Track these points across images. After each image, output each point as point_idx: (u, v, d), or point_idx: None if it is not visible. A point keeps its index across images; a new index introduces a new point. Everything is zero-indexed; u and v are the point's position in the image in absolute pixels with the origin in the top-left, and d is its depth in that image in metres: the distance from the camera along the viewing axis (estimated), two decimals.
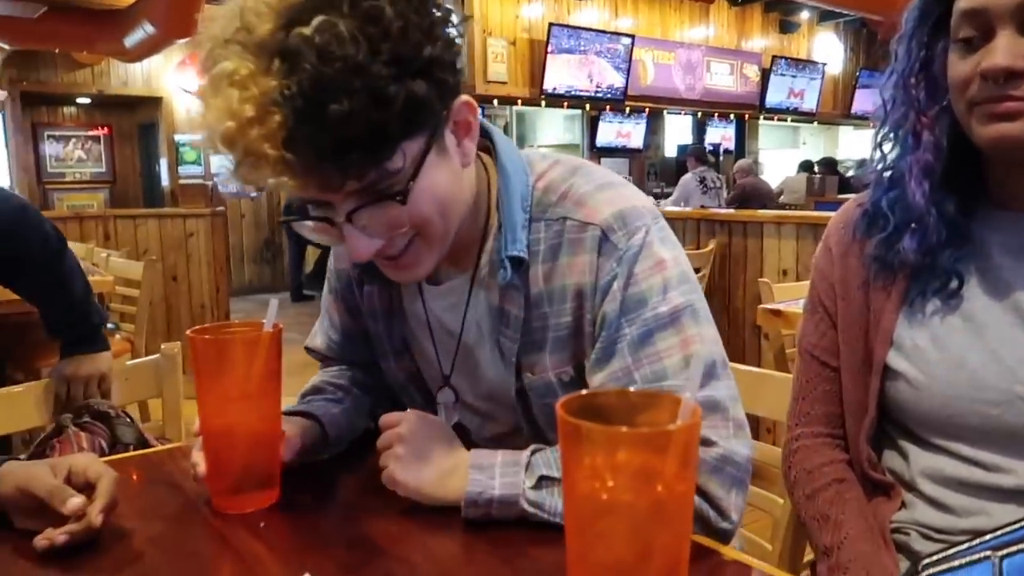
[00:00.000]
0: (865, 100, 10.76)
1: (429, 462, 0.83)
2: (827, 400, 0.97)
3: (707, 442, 0.80)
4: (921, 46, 0.87)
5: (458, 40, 0.77)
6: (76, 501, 0.74)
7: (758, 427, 2.23)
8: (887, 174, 0.92)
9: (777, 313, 2.14)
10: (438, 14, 0.75)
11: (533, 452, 0.83)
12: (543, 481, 0.80)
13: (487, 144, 0.93)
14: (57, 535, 0.74)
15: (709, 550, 0.76)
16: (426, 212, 0.80)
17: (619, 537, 0.53)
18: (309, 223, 0.81)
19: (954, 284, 0.85)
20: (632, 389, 0.58)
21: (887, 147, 0.93)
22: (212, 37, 0.72)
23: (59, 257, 1.50)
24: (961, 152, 0.86)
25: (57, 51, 7.80)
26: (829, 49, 10.67)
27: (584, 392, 0.55)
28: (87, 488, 0.78)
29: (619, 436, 0.52)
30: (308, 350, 1.15)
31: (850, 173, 9.07)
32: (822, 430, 0.97)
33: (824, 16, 10.19)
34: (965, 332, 0.85)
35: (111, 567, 0.74)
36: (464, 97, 0.81)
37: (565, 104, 8.20)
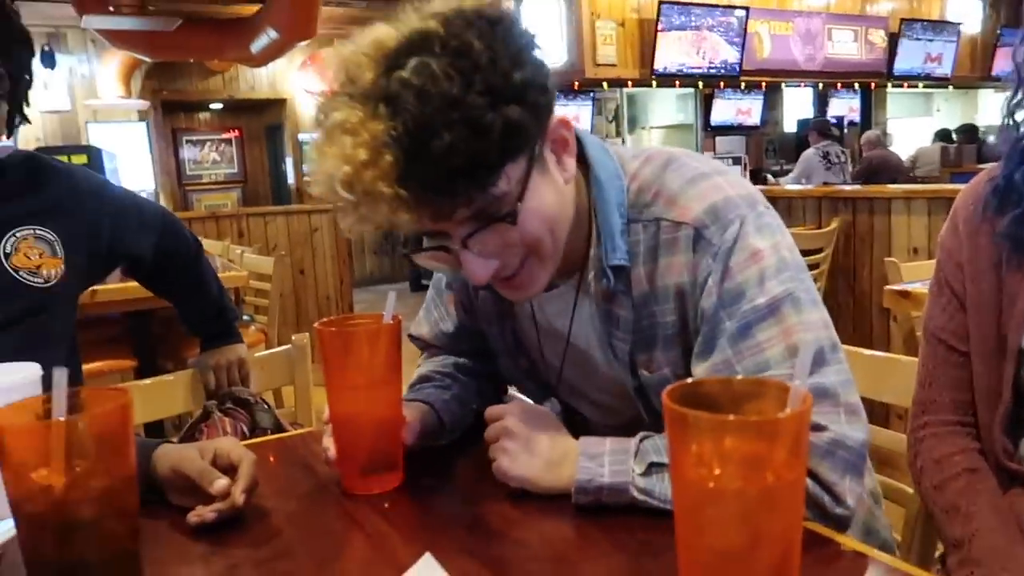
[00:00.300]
0: (1007, 60, 9.92)
1: (537, 453, 0.86)
2: (956, 386, 0.93)
3: (817, 427, 0.78)
4: None
5: (545, 62, 0.81)
6: (222, 482, 0.82)
7: (888, 414, 2.13)
8: (1021, 145, 0.86)
9: (905, 294, 2.03)
10: (523, 40, 0.79)
11: (642, 439, 0.84)
12: (653, 468, 0.81)
13: (580, 152, 0.93)
14: (207, 512, 0.81)
15: (825, 539, 0.74)
16: (536, 231, 0.83)
17: (728, 525, 0.53)
18: (427, 254, 0.86)
19: None
20: (741, 378, 0.58)
21: (1020, 115, 0.87)
22: (322, 92, 0.80)
23: (198, 258, 1.62)
24: None
25: (192, 60, 8.35)
26: (965, 7, 9.87)
27: (690, 380, 0.56)
28: (231, 469, 0.86)
29: (726, 424, 0.53)
30: (412, 338, 1.19)
31: (991, 139, 8.41)
32: (951, 418, 0.93)
33: None
34: None
35: (253, 541, 0.81)
36: (558, 115, 0.84)
37: (677, 83, 8.00)
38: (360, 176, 0.74)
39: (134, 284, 2.22)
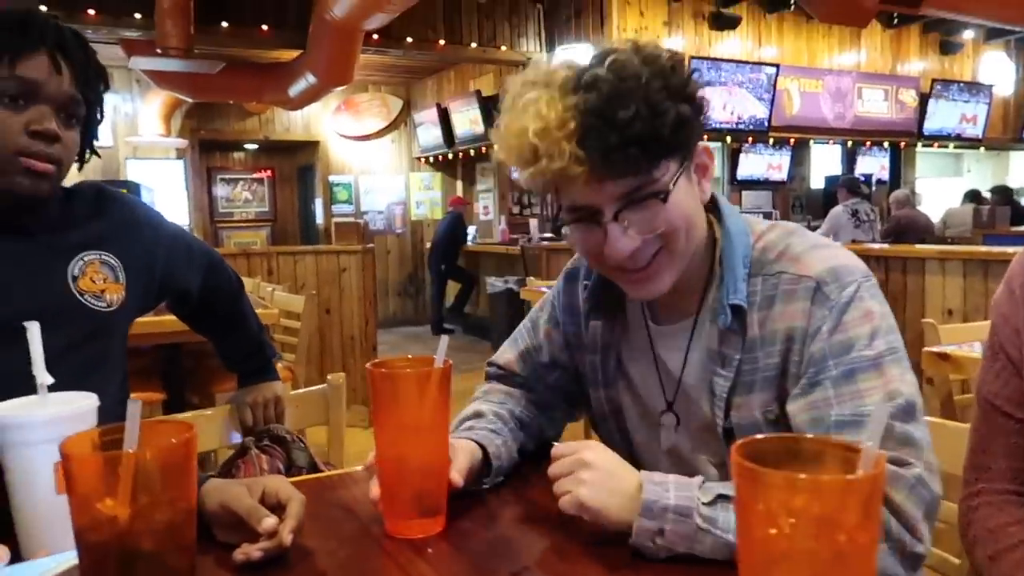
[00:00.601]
0: None
1: (614, 488, 0.87)
2: (1011, 454, 0.91)
3: (903, 463, 0.84)
4: None
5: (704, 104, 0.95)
6: (270, 521, 0.82)
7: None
8: None
9: (944, 356, 2.00)
10: (694, 72, 0.94)
11: (704, 480, 0.87)
12: (719, 499, 0.83)
13: (713, 208, 1.04)
14: (253, 551, 0.81)
15: None
16: (676, 220, 0.94)
17: None
18: (575, 225, 0.96)
19: None
20: (811, 435, 0.57)
21: None
22: (514, 85, 0.94)
23: (240, 295, 1.65)
24: None
25: (231, 102, 8.58)
26: (997, 69, 9.91)
27: (760, 437, 0.56)
28: (278, 508, 0.86)
29: (798, 483, 0.52)
30: (490, 364, 1.26)
31: None
32: (1006, 487, 0.91)
33: (991, 34, 9.50)
34: None
35: None
36: (704, 143, 0.98)
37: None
38: (549, 133, 0.87)
39: (168, 317, 2.24)
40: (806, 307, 0.93)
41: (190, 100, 7.73)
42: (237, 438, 1.51)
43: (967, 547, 0.93)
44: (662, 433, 1.10)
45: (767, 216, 6.05)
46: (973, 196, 8.67)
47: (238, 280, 1.66)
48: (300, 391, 1.70)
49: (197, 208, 9.15)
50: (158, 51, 5.71)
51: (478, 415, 1.14)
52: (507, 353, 1.25)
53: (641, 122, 0.86)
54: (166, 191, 8.38)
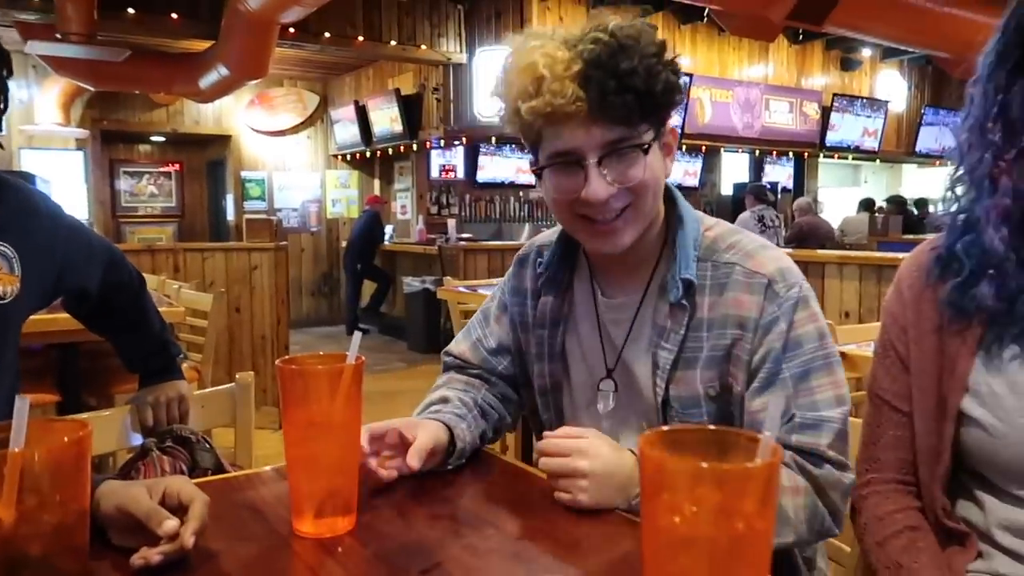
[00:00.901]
0: (929, 138, 10.54)
1: (614, 484, 0.95)
2: (898, 446, 0.96)
3: (844, 466, 0.98)
4: (999, 89, 0.86)
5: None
6: (171, 524, 0.78)
7: None
8: (961, 218, 0.91)
9: (841, 356, 2.10)
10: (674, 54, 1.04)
11: None
12: None
13: (666, 195, 1.12)
14: (152, 555, 0.77)
15: None
16: (649, 179, 1.02)
17: (697, 573, 0.54)
18: (558, 167, 1.03)
19: None
20: (715, 427, 0.59)
21: (960, 191, 0.92)
22: (518, 41, 1.03)
23: (141, 293, 1.58)
24: None
25: (137, 92, 8.21)
26: (892, 86, 10.51)
27: (666, 428, 0.57)
28: (179, 510, 0.82)
29: (700, 472, 0.54)
30: (447, 353, 1.33)
31: (915, 211, 8.83)
32: (893, 476, 0.96)
33: (888, 53, 10.06)
34: None
35: None
36: (672, 125, 1.06)
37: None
38: (556, 69, 0.96)
39: (62, 315, 2.12)
40: (759, 301, 1.02)
41: (92, 89, 7.35)
42: (138, 440, 1.45)
43: (858, 534, 0.98)
44: (600, 399, 1.15)
45: None
46: (867, 205, 9.16)
47: (139, 277, 1.59)
48: (207, 390, 1.64)
49: (98, 201, 8.72)
50: (57, 36, 5.42)
51: (444, 400, 1.18)
52: (461, 343, 1.31)
53: (638, 77, 0.96)
54: (64, 183, 7.95)
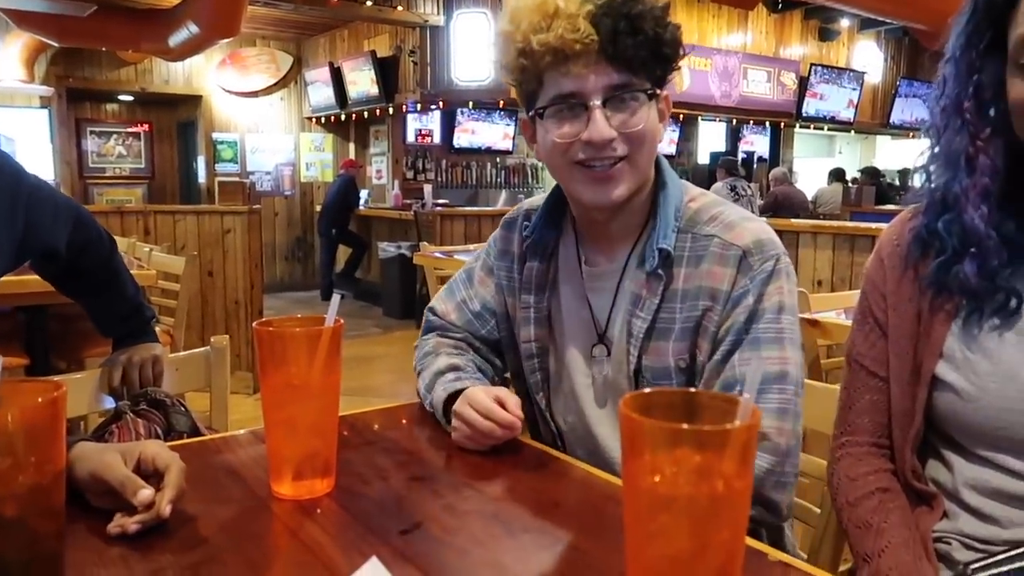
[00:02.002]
0: (904, 109, 10.62)
1: None
2: (874, 410, 0.98)
3: (778, 450, 0.99)
4: (972, 69, 0.86)
5: None
6: (146, 493, 0.77)
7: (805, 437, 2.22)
8: (938, 195, 0.91)
9: (814, 323, 2.13)
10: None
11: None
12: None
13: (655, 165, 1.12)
14: (129, 524, 0.77)
15: (755, 551, 0.77)
16: (647, 130, 1.03)
17: (678, 532, 0.55)
18: (559, 109, 1.03)
19: (1013, 303, 0.85)
20: (695, 390, 0.60)
21: (936, 170, 0.92)
22: None
23: (112, 255, 1.54)
24: (1018, 171, 0.86)
25: (103, 49, 7.99)
26: (869, 57, 10.54)
27: (647, 391, 0.58)
28: (155, 476, 0.81)
29: (680, 433, 0.54)
30: (430, 310, 1.32)
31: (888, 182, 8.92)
32: (868, 439, 0.98)
33: (865, 24, 10.08)
34: (1018, 346, 0.85)
35: (179, 546, 0.77)
36: (666, 91, 1.06)
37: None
38: (570, 7, 0.98)
39: (31, 276, 2.07)
40: (732, 273, 1.03)
41: (56, 44, 7.14)
42: (110, 403, 1.43)
43: (832, 494, 1.01)
44: (594, 365, 1.16)
45: None
46: (837, 175, 9.24)
47: (110, 238, 1.56)
48: (181, 354, 1.62)
49: (64, 162, 8.52)
50: None
51: (455, 368, 1.18)
52: (446, 302, 1.31)
53: (648, 21, 0.99)
54: (28, 142, 7.75)
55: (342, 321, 0.89)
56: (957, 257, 0.88)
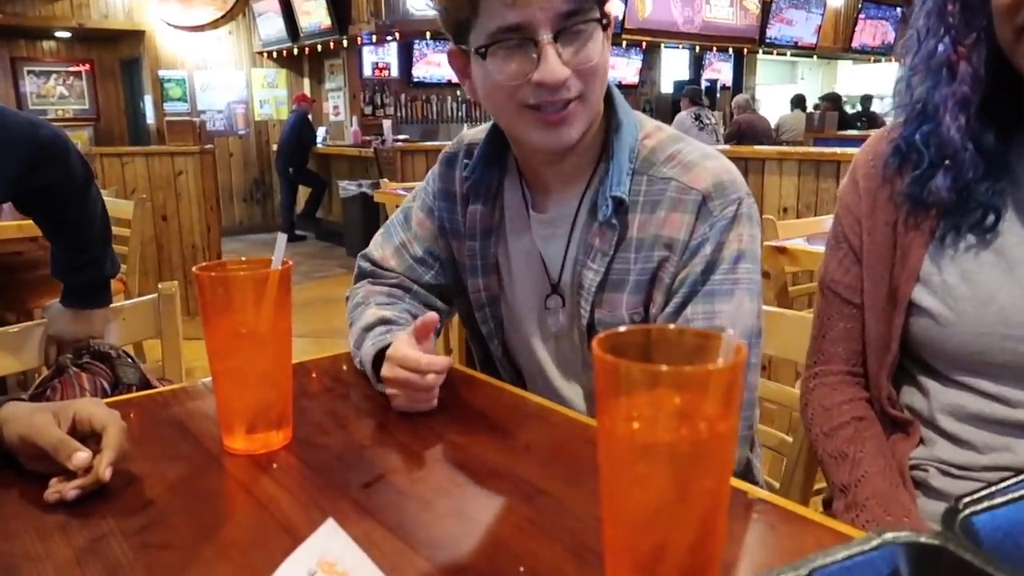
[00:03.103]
0: (866, 34, 10.54)
1: None
2: (848, 338, 0.95)
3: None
4: None
5: None
6: (82, 456, 0.72)
7: (769, 366, 2.23)
8: (918, 107, 0.87)
9: (782, 250, 2.11)
10: None
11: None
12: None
13: (607, 95, 1.02)
14: (67, 490, 0.71)
15: (733, 490, 0.74)
16: (601, 64, 0.93)
17: (658, 480, 0.51)
18: (508, 48, 0.91)
19: (990, 219, 0.82)
20: (670, 326, 0.55)
21: (917, 79, 0.88)
22: None
23: (83, 194, 1.42)
24: (1000, 82, 0.82)
25: None
26: None
27: (621, 329, 0.53)
28: (93, 436, 0.75)
29: (659, 375, 0.50)
30: (364, 258, 1.20)
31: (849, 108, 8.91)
32: (842, 368, 0.96)
33: None
34: (996, 268, 0.82)
35: (122, 509, 0.72)
36: (612, 11, 0.96)
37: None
38: None
39: None
40: (690, 221, 0.95)
41: None
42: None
43: (805, 424, 0.99)
44: (549, 318, 1.08)
45: None
46: (798, 102, 9.20)
47: (84, 179, 1.42)
48: (128, 302, 1.54)
49: (2, 104, 8.10)
50: None
51: (385, 320, 1.06)
52: (382, 248, 1.19)
53: None
54: None
55: (290, 263, 0.82)
56: (933, 170, 0.84)
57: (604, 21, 0.93)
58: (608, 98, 1.02)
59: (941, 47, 0.84)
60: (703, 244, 0.95)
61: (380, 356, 0.97)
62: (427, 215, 1.16)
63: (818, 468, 1.06)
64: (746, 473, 1.06)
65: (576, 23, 0.90)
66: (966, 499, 0.73)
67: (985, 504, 0.71)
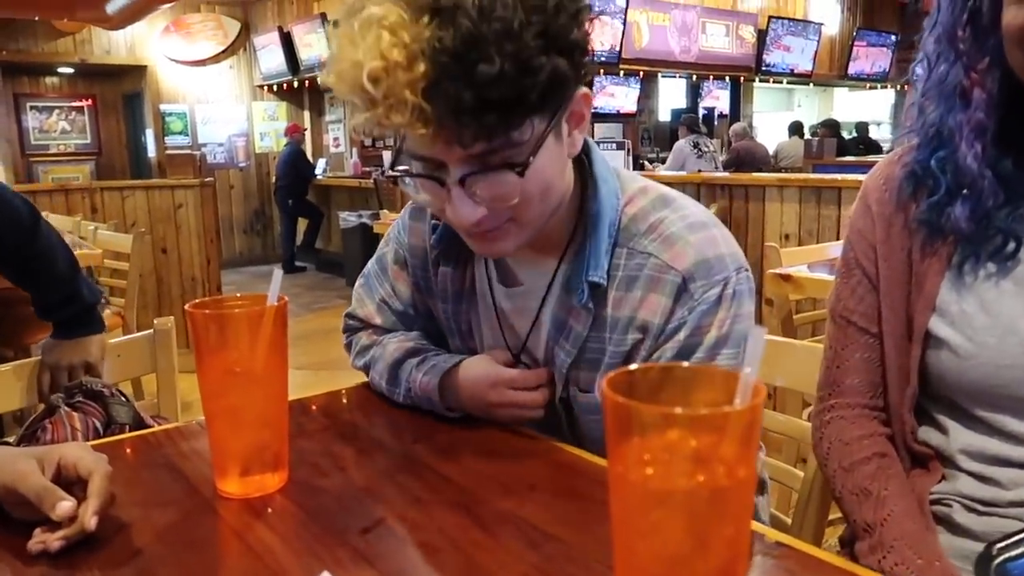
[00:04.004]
0: (862, 61, 10.63)
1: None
2: (865, 368, 0.91)
3: None
4: None
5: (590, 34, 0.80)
6: (66, 505, 0.68)
7: (774, 395, 2.20)
8: (932, 131, 0.85)
9: (786, 278, 2.09)
10: (582, 4, 0.77)
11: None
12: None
13: (582, 157, 0.93)
14: (52, 541, 0.68)
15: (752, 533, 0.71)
16: (532, 191, 0.81)
17: (674, 528, 0.48)
18: (418, 181, 0.82)
19: (1011, 247, 0.79)
20: (687, 364, 0.53)
21: (929, 104, 0.86)
22: None
23: (32, 235, 1.40)
24: (1015, 104, 0.80)
25: (36, 19, 7.60)
26: (826, 9, 10.50)
27: (633, 367, 0.50)
28: (79, 483, 0.72)
29: (674, 418, 0.47)
30: (350, 317, 1.15)
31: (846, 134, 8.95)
32: (859, 400, 0.92)
33: None
34: (1017, 296, 0.80)
35: (110, 559, 0.68)
36: (584, 89, 0.83)
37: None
38: (391, 74, 0.71)
39: None
40: (667, 304, 0.88)
41: None
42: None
43: (820, 460, 0.94)
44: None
45: (619, 147, 6.14)
46: (795, 128, 9.24)
47: (32, 217, 1.41)
48: (123, 338, 1.52)
49: (5, 139, 8.15)
50: None
51: (415, 351, 1.03)
52: (366, 305, 1.13)
53: (505, 80, 0.70)
54: None
55: (286, 299, 0.80)
56: (950, 197, 0.81)
57: (534, 151, 0.78)
58: (585, 158, 0.93)
59: (953, 72, 0.82)
60: (679, 329, 0.87)
61: (444, 380, 0.97)
62: (401, 267, 1.10)
63: (831, 502, 1.02)
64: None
65: (488, 165, 0.78)
66: (999, 545, 0.70)
67: (1020, 550, 0.68)
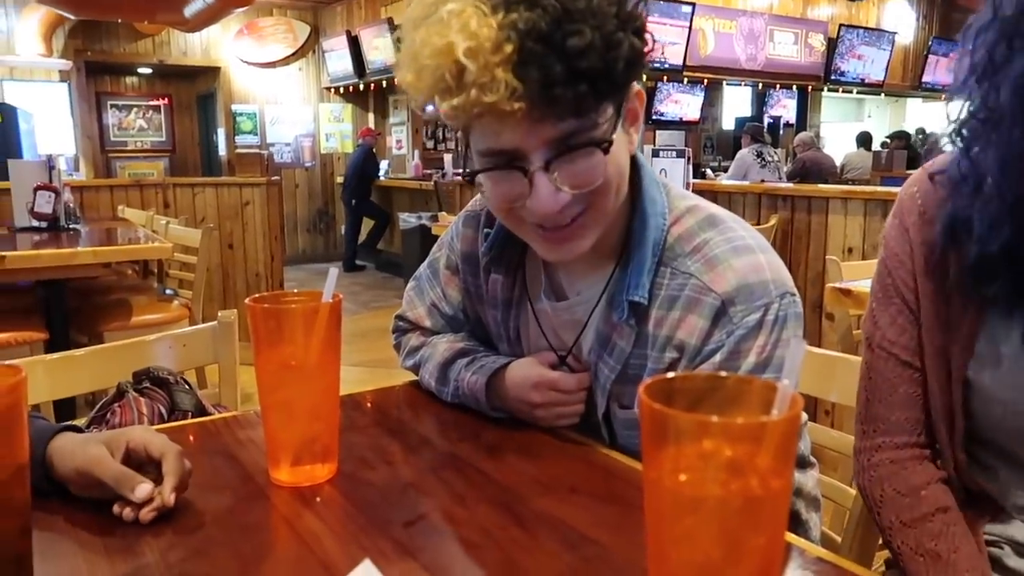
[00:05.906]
0: (936, 70, 10.28)
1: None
2: (911, 405, 0.84)
3: None
4: None
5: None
6: (145, 487, 0.73)
7: (816, 409, 2.15)
8: (968, 180, 0.74)
9: (847, 292, 2.04)
10: (640, 7, 0.81)
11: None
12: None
13: (634, 173, 0.93)
14: (145, 512, 0.73)
15: (791, 547, 0.70)
16: (610, 176, 0.83)
17: (707, 536, 0.48)
18: (498, 173, 0.82)
19: None
20: (725, 374, 0.53)
21: (975, 150, 0.74)
22: None
23: None
24: None
25: (119, 21, 7.94)
26: (900, 17, 10.20)
27: (670, 375, 0.51)
28: (147, 464, 0.76)
29: (710, 426, 0.47)
30: (400, 319, 1.19)
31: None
32: (907, 440, 0.84)
33: None
34: None
35: (166, 539, 0.72)
36: (638, 86, 0.85)
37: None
38: (482, 53, 0.73)
39: (46, 252, 2.02)
40: (705, 326, 0.87)
41: (72, 17, 7.10)
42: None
43: (871, 504, 0.87)
44: None
45: (679, 155, 6.08)
46: (863, 140, 8.98)
47: None
48: (188, 329, 1.58)
49: (85, 136, 8.53)
50: None
51: (465, 352, 1.06)
52: (416, 307, 1.17)
53: (594, 53, 0.73)
54: (49, 117, 7.76)
55: (340, 296, 0.82)
56: (986, 263, 0.73)
57: (611, 137, 0.81)
58: (635, 176, 0.93)
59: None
60: (715, 351, 0.86)
61: (492, 380, 1.00)
62: (453, 272, 1.12)
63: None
64: (795, 527, 0.98)
65: (573, 146, 0.79)
66: None
67: None
